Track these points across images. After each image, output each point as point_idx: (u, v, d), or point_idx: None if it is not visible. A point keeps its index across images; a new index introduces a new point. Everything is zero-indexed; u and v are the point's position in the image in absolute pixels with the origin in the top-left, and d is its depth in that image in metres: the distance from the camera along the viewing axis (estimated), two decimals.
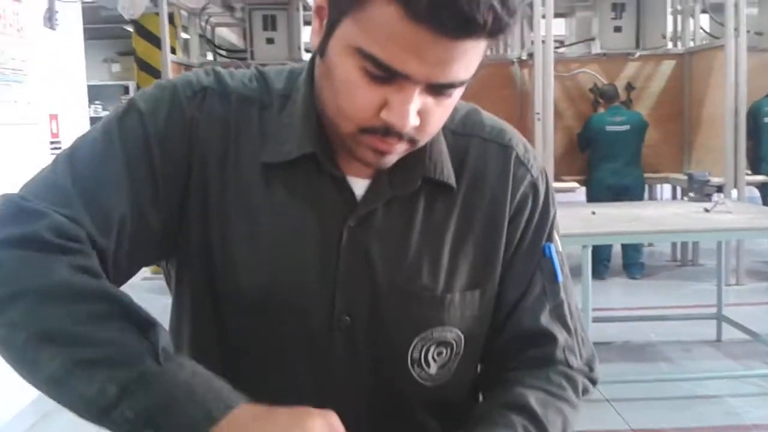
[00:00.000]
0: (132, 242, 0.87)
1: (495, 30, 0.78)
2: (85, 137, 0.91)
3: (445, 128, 0.96)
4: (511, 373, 0.99)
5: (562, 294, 1.01)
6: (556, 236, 1.03)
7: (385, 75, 0.80)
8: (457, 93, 0.86)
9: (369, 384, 0.96)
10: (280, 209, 0.92)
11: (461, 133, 0.99)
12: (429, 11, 0.75)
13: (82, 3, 4.92)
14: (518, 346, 1.01)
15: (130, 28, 6.90)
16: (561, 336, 1.00)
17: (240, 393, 0.76)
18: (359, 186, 0.94)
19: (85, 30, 6.14)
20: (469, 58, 0.81)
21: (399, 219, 0.95)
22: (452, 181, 0.96)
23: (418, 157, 0.93)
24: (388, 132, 0.84)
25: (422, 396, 0.98)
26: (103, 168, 0.87)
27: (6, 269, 0.78)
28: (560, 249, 1.03)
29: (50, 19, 3.99)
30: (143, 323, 0.77)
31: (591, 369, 1.04)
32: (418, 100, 0.82)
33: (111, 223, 0.85)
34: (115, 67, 10.76)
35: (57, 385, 0.73)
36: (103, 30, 8.21)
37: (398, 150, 0.87)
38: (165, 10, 5.71)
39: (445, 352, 0.98)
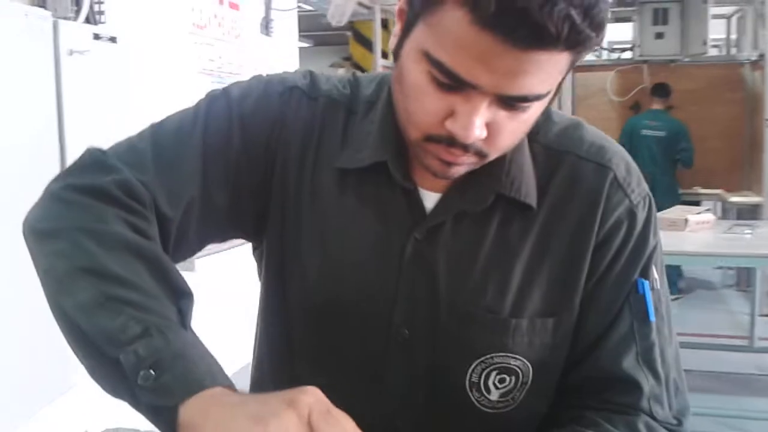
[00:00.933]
0: (198, 218, 0.90)
1: (573, 43, 0.72)
2: (177, 113, 0.94)
3: (537, 142, 0.92)
4: (586, 411, 0.91)
5: (654, 336, 0.91)
6: (654, 272, 0.93)
7: (451, 83, 0.77)
8: (536, 107, 0.81)
9: (424, 402, 0.93)
10: (350, 216, 0.92)
11: (555, 148, 0.93)
12: (496, 18, 0.70)
13: (304, 12, 5.25)
14: (597, 388, 0.92)
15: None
16: (647, 383, 0.90)
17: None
18: (430, 199, 0.91)
19: (313, 37, 6.42)
20: (545, 71, 0.75)
21: (468, 236, 0.91)
22: (531, 200, 0.90)
23: (495, 172, 0.88)
24: (453, 142, 0.80)
25: (481, 422, 0.93)
26: (183, 143, 0.90)
27: (67, 208, 0.83)
28: (658, 286, 0.93)
29: (266, 26, 4.30)
30: (179, 290, 0.79)
31: (680, 423, 0.92)
32: (486, 112, 0.78)
33: (180, 195, 0.88)
34: (341, 72, 11.36)
35: (83, 313, 0.75)
36: (330, 37, 8.69)
37: (465, 161, 0.83)
38: (378, 17, 5.92)
39: (509, 379, 0.92)
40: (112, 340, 0.73)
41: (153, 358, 0.71)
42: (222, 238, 0.98)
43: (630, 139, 6.09)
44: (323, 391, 0.69)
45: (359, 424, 0.70)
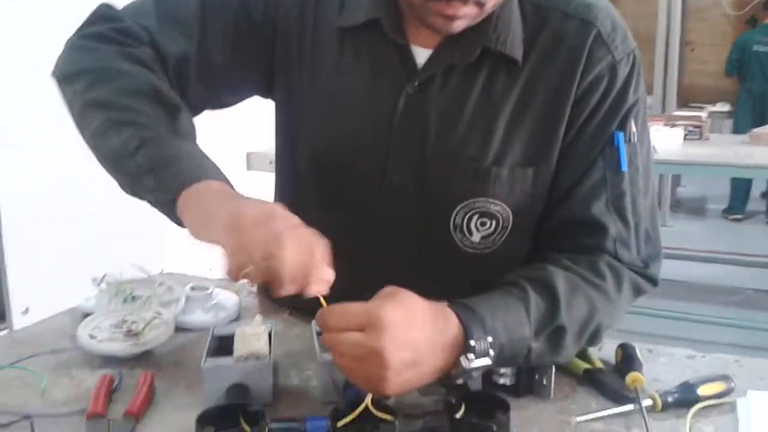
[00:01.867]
0: (197, 72, 1.02)
1: None
2: None
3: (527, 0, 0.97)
4: (554, 253, 0.99)
5: (625, 185, 0.98)
6: (632, 125, 0.98)
7: None
8: None
9: (415, 243, 1.03)
10: (347, 72, 1.01)
11: (543, 5, 0.98)
12: None
13: None
14: (568, 231, 1.00)
15: None
16: (614, 227, 0.98)
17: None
18: (422, 55, 0.99)
19: None
20: None
21: (457, 88, 0.98)
22: (516, 53, 0.97)
23: (482, 27, 0.95)
24: None
25: (465, 265, 1.03)
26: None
27: (78, 54, 0.99)
28: (636, 140, 0.98)
29: None
30: (170, 106, 0.93)
31: (646, 266, 1.00)
32: None
33: (180, 42, 1.01)
34: None
35: (98, 138, 0.91)
36: None
37: (466, 14, 0.90)
38: None
39: (489, 223, 1.01)
40: (119, 156, 0.89)
41: (149, 165, 0.86)
42: (226, 97, 1.10)
43: (741, 55, 5.81)
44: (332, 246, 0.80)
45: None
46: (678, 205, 6.44)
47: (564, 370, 1.00)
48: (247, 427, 0.84)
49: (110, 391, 0.96)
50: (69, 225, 2.33)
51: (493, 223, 1.01)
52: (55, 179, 2.28)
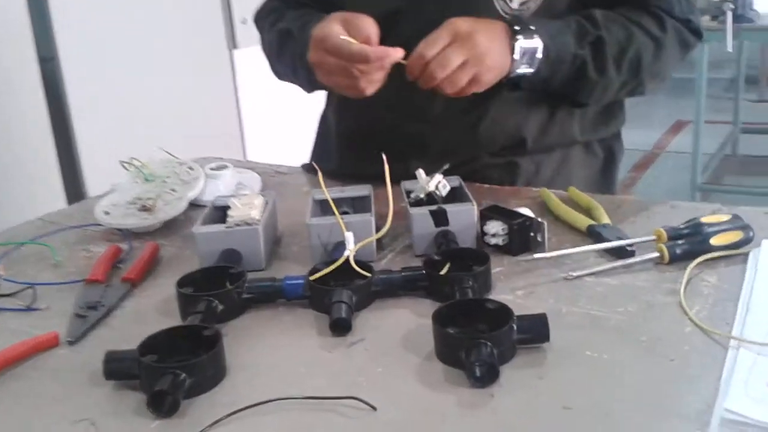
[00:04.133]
0: None
1: None
2: None
3: None
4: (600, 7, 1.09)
5: None
6: None
7: None
8: None
9: (456, 10, 1.02)
10: None
11: None
12: None
13: None
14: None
15: None
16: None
17: None
18: None
19: None
20: None
21: None
22: None
23: None
24: None
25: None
26: None
27: (258, 18, 1.29)
28: None
29: None
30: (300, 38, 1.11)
31: (688, 20, 1.12)
32: None
33: None
34: None
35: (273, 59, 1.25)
36: None
37: None
38: None
39: None
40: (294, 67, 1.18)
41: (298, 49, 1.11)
42: None
43: None
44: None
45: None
46: None
47: (567, 227, 0.96)
48: (228, 285, 0.85)
49: (116, 261, 0.99)
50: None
51: None
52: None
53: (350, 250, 0.86)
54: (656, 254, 0.87)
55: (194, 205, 1.15)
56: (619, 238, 0.90)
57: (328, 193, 1.00)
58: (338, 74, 0.98)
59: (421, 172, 0.98)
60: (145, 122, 2.35)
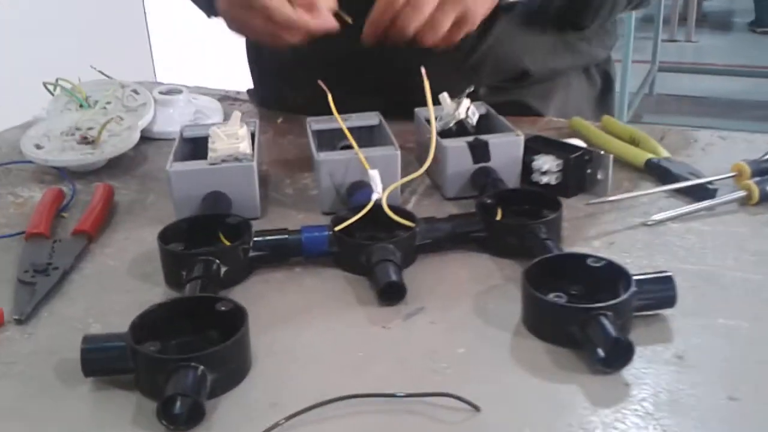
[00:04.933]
0: None
1: None
2: None
3: None
4: None
5: None
6: None
7: None
8: None
9: None
10: None
11: None
12: None
13: None
14: None
15: None
16: None
17: None
18: None
19: None
20: None
21: None
22: None
23: None
24: None
25: None
26: None
27: None
28: None
29: None
30: None
31: None
32: None
33: None
34: None
35: None
36: None
37: None
38: None
39: None
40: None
41: None
42: None
43: None
44: None
45: None
46: (703, 20, 6.05)
47: (620, 163, 0.80)
48: (225, 242, 0.65)
49: (59, 209, 0.77)
50: None
51: None
52: None
53: (379, 193, 0.67)
54: (743, 193, 0.72)
55: (143, 137, 0.93)
56: (692, 174, 0.76)
57: (325, 123, 0.81)
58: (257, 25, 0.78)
59: (446, 96, 0.80)
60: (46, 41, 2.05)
